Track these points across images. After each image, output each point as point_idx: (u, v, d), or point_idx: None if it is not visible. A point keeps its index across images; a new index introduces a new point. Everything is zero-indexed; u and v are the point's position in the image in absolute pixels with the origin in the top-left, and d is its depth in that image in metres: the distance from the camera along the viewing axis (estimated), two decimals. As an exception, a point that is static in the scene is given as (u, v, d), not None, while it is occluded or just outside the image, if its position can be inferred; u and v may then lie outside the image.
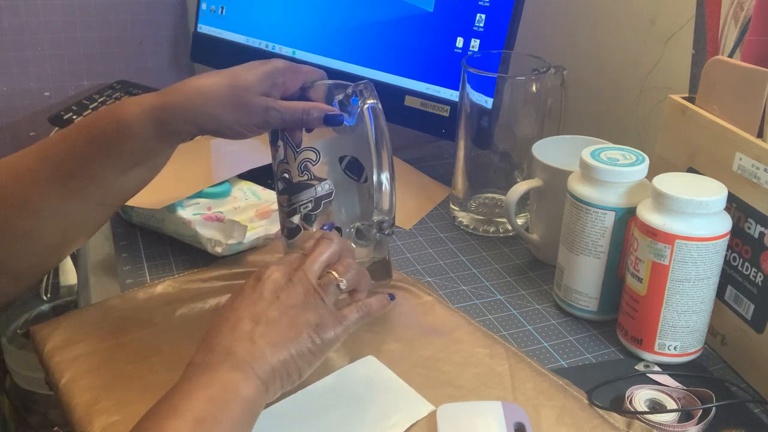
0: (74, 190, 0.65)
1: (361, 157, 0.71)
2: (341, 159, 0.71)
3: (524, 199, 0.86)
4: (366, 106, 0.68)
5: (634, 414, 0.62)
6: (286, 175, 0.71)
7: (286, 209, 0.73)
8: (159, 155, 0.67)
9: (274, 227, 0.85)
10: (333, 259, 0.64)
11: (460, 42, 1.00)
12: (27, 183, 0.64)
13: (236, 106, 0.65)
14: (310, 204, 0.71)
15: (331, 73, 1.14)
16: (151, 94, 0.65)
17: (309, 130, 0.70)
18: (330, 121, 0.68)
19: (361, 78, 1.08)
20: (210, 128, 0.66)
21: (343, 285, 0.62)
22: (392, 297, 0.67)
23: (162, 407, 0.53)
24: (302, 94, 0.70)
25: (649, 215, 0.67)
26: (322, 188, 0.71)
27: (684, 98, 0.75)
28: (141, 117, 0.63)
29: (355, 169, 0.71)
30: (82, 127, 0.65)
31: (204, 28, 1.28)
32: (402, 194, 1.00)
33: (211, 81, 0.65)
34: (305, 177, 0.70)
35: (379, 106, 0.68)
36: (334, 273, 0.62)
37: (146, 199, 0.84)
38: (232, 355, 0.56)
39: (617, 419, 0.62)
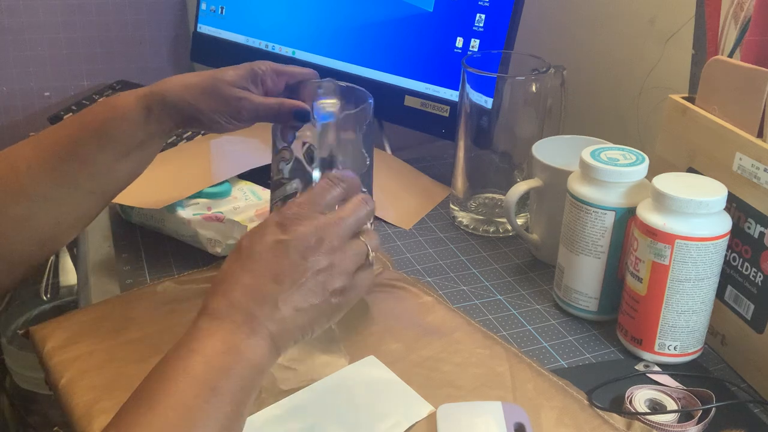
0: (66, 175, 0.67)
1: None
2: (309, 155, 0.71)
3: (524, 199, 0.86)
4: (318, 123, 0.68)
5: (634, 415, 0.62)
6: (271, 173, 0.72)
7: (269, 206, 0.74)
8: (148, 145, 0.69)
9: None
10: (364, 223, 0.61)
11: (459, 42, 1.00)
12: (21, 171, 0.66)
13: (213, 96, 0.68)
14: (280, 202, 0.71)
15: (331, 73, 1.14)
16: (145, 87, 0.69)
17: (297, 127, 0.71)
18: (298, 116, 0.69)
19: (360, 78, 1.08)
20: (190, 115, 0.68)
21: (371, 257, 0.60)
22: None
23: (178, 366, 0.51)
24: (289, 93, 0.72)
25: (649, 215, 0.67)
26: (291, 187, 0.70)
27: (684, 98, 0.75)
28: (132, 104, 0.67)
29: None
30: (77, 116, 0.69)
31: (204, 28, 1.28)
32: (402, 194, 1.00)
33: (194, 75, 0.70)
34: (279, 176, 0.71)
35: (337, 120, 0.68)
36: (366, 242, 0.60)
37: (146, 199, 0.84)
38: (253, 318, 0.53)
39: (617, 420, 0.62)
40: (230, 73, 0.70)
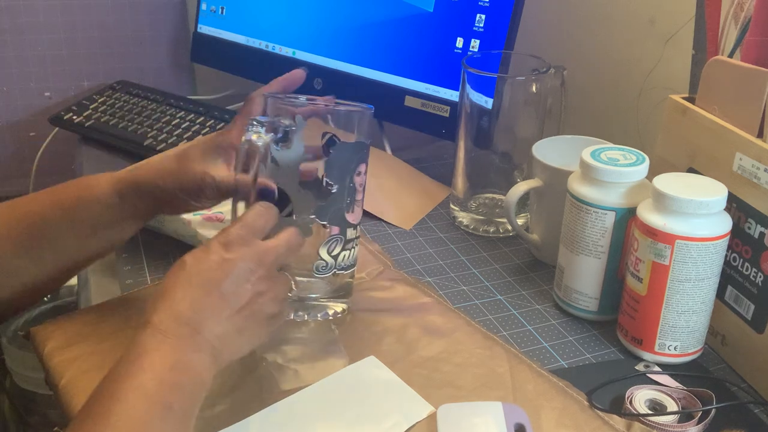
0: (32, 250, 0.68)
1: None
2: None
3: (524, 199, 0.86)
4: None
5: (634, 416, 0.62)
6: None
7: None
8: (119, 227, 0.69)
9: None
10: (294, 255, 0.64)
11: (460, 42, 1.00)
12: None
13: (177, 175, 0.67)
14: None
15: (331, 73, 1.14)
16: (121, 170, 0.70)
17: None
18: (262, 195, 0.65)
19: (360, 78, 1.08)
20: (161, 199, 0.68)
21: (292, 293, 0.65)
22: None
23: (127, 384, 0.51)
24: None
25: (649, 215, 0.67)
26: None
27: (684, 98, 0.75)
28: (105, 185, 0.68)
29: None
30: (51, 191, 0.70)
31: (204, 29, 1.28)
32: (402, 194, 1.00)
33: (165, 157, 0.69)
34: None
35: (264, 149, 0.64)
36: (290, 277, 0.64)
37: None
38: (198, 332, 0.55)
39: (617, 421, 0.62)
40: (195, 147, 0.68)
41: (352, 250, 0.70)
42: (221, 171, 0.67)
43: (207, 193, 0.67)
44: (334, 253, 0.68)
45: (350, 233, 0.69)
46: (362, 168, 0.67)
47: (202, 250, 0.59)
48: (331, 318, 0.72)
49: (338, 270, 0.69)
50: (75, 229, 0.68)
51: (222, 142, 0.68)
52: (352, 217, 0.68)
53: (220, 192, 0.67)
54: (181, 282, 0.57)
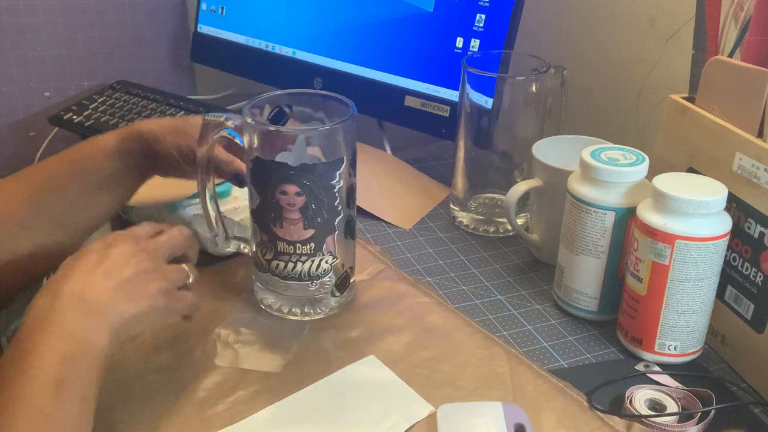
0: (41, 204, 0.71)
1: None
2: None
3: (524, 199, 0.86)
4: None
5: (634, 416, 0.62)
6: None
7: None
8: (121, 180, 0.74)
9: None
10: (180, 248, 0.65)
11: (460, 42, 1.00)
12: (1, 197, 0.70)
13: (179, 133, 0.74)
14: None
15: (331, 73, 1.14)
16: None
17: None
18: (236, 179, 0.75)
19: (360, 78, 1.08)
20: (156, 150, 0.73)
21: (190, 280, 0.64)
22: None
23: (14, 368, 0.51)
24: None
25: (649, 215, 0.67)
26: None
27: (684, 98, 0.75)
28: (109, 137, 0.74)
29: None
30: (61, 152, 0.74)
31: (204, 28, 1.28)
32: (402, 194, 1.00)
33: (169, 118, 0.77)
34: None
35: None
36: (185, 266, 0.64)
37: (146, 198, 0.84)
38: (84, 301, 0.55)
39: (617, 422, 0.62)
40: (194, 120, 0.74)
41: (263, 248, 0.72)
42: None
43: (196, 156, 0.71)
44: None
45: (281, 246, 0.70)
46: (288, 189, 0.67)
47: (82, 250, 0.60)
48: (336, 311, 0.75)
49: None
50: (81, 181, 0.72)
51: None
52: (282, 232, 0.69)
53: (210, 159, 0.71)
54: (61, 272, 0.58)
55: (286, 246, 0.70)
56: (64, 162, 0.73)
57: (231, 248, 0.79)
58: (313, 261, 0.70)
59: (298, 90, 0.73)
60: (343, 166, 0.68)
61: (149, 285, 0.59)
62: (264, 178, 0.68)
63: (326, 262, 0.71)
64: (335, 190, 0.68)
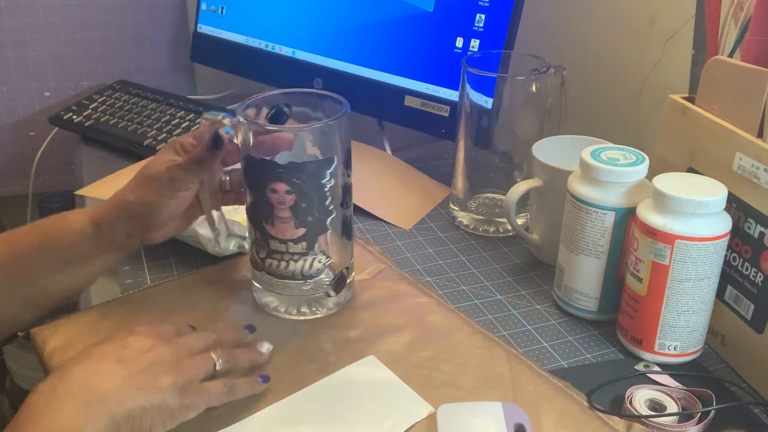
0: (3, 278, 0.68)
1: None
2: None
3: (524, 199, 0.86)
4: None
5: (634, 416, 0.62)
6: None
7: None
8: (92, 261, 0.70)
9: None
10: (202, 348, 0.63)
11: (460, 42, 1.00)
12: None
13: (142, 183, 0.69)
14: None
15: (331, 73, 1.14)
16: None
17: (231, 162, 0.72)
18: (214, 143, 0.67)
19: (360, 78, 1.08)
20: (138, 213, 0.69)
21: (219, 366, 0.61)
22: (264, 379, 0.64)
23: None
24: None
25: (649, 215, 0.67)
26: None
27: (684, 98, 0.75)
28: (81, 216, 0.69)
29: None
30: (37, 221, 0.72)
31: (204, 28, 1.28)
32: (402, 194, 1.00)
33: (127, 183, 0.70)
34: None
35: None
36: (214, 354, 0.62)
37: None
38: (88, 389, 0.53)
39: (617, 422, 0.62)
40: (153, 158, 0.70)
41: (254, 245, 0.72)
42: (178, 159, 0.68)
43: (178, 181, 0.67)
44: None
45: (273, 245, 0.70)
46: (278, 187, 0.67)
47: (101, 340, 0.60)
48: (334, 310, 0.75)
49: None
50: (47, 257, 0.69)
51: (170, 143, 0.71)
52: (274, 231, 0.69)
53: (188, 170, 0.67)
54: (77, 356, 0.57)
55: (278, 244, 0.70)
56: (32, 235, 0.70)
57: (232, 247, 0.78)
58: (305, 260, 0.70)
59: (294, 90, 0.72)
60: (334, 165, 0.68)
61: (164, 377, 0.57)
62: (255, 176, 0.68)
63: (319, 261, 0.71)
64: (326, 189, 0.68)
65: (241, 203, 0.73)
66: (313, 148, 0.68)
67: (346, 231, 0.72)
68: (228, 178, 0.74)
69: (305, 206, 0.68)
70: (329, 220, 0.70)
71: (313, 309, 0.74)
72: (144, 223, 0.70)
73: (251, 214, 0.71)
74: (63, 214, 0.70)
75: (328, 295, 0.73)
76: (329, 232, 0.70)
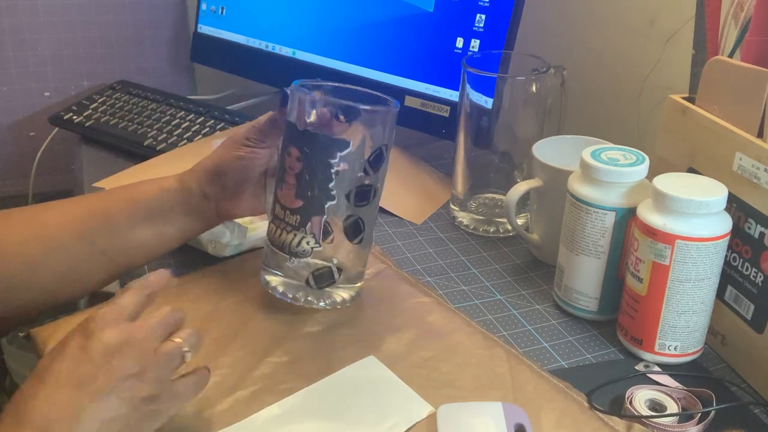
0: (86, 225, 0.70)
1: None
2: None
3: (524, 199, 0.86)
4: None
5: (635, 417, 0.62)
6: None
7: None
8: (171, 219, 0.73)
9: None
10: (173, 328, 0.58)
11: (460, 42, 1.00)
12: (47, 214, 0.73)
13: (223, 145, 0.73)
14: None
15: (331, 73, 1.14)
16: None
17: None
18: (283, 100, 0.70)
19: (360, 78, 1.08)
20: (211, 171, 0.72)
21: (188, 357, 0.57)
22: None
23: None
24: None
25: (649, 215, 0.67)
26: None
27: (684, 98, 0.75)
28: (169, 177, 0.73)
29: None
30: (123, 186, 0.76)
31: (204, 29, 1.28)
32: (403, 194, 1.00)
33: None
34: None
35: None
36: (178, 339, 0.57)
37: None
38: (46, 429, 0.49)
39: (617, 422, 0.62)
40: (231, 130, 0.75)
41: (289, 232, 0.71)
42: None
43: (252, 137, 0.71)
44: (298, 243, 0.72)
45: (277, 208, 0.71)
46: (292, 151, 0.68)
47: (60, 342, 0.55)
48: (339, 306, 0.73)
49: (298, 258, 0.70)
50: (131, 210, 0.71)
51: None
52: (281, 194, 0.70)
53: (265, 125, 0.71)
54: (33, 382, 0.52)
55: (280, 210, 0.70)
56: (118, 190, 0.74)
57: (231, 250, 0.78)
58: (295, 235, 0.69)
59: (347, 86, 0.73)
60: (347, 150, 0.67)
61: (131, 397, 0.52)
62: (284, 135, 0.70)
63: (307, 243, 0.69)
64: (333, 170, 0.67)
65: (256, 214, 0.76)
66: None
67: (355, 233, 0.70)
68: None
69: (308, 179, 0.68)
70: (328, 204, 0.68)
71: (310, 298, 0.72)
72: (219, 186, 0.72)
73: (277, 173, 0.72)
74: (153, 179, 0.74)
75: (308, 285, 0.71)
76: (324, 217, 0.69)
